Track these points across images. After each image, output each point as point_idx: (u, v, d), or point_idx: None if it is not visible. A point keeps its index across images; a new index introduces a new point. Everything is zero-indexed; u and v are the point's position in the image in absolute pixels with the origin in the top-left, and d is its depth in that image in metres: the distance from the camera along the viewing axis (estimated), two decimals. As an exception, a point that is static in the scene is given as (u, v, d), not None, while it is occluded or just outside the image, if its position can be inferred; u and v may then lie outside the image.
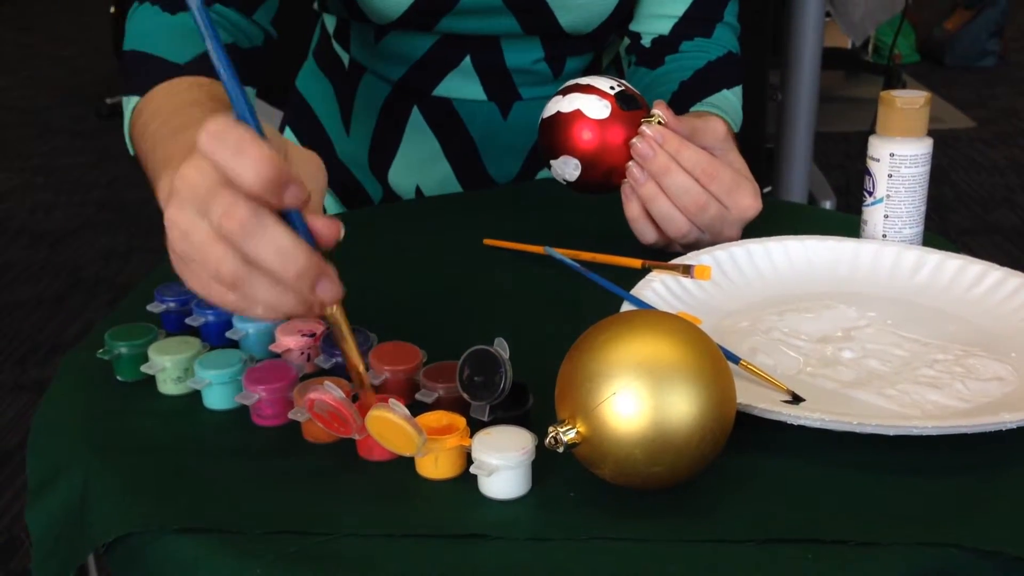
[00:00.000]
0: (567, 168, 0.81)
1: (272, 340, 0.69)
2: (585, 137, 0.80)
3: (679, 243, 0.81)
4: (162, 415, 0.65)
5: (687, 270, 0.75)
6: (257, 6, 0.87)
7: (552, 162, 0.82)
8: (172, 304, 0.73)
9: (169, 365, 0.66)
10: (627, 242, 0.84)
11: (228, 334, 0.70)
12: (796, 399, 0.62)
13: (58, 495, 0.61)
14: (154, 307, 0.74)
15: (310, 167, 0.57)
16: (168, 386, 0.67)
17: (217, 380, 0.64)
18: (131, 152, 0.80)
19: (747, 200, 0.80)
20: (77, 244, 2.84)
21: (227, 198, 0.50)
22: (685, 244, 0.81)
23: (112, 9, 4.02)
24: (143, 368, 0.67)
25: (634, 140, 0.79)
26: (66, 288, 2.58)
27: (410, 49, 1.01)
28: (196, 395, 0.66)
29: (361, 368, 0.60)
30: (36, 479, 0.63)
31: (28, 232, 2.93)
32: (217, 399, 0.65)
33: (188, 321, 0.72)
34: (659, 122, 0.79)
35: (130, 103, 0.78)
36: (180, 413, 0.65)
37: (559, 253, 0.82)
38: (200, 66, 0.77)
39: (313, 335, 0.68)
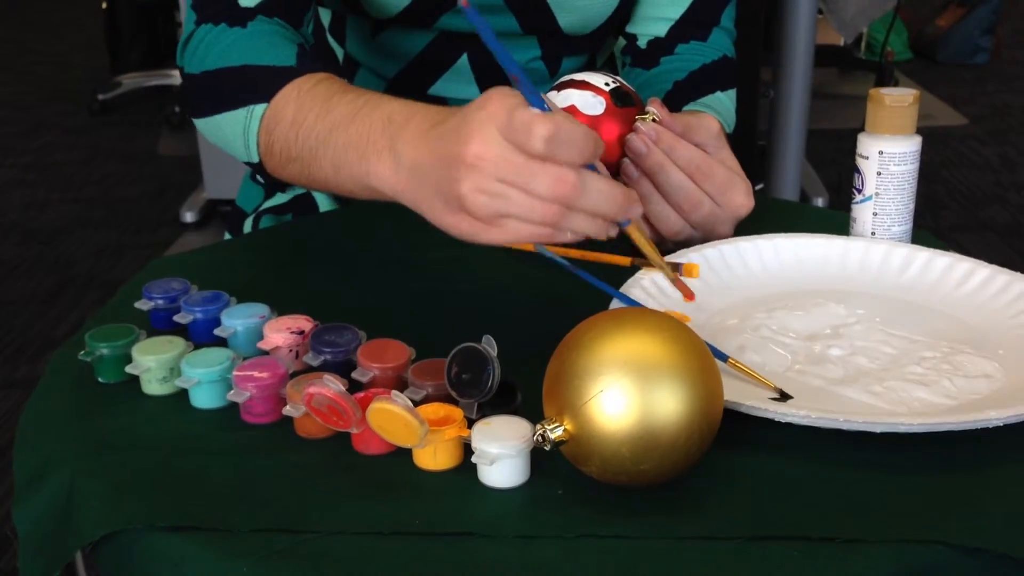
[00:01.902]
0: None
1: (260, 337, 0.69)
2: None
3: (671, 241, 0.81)
4: (150, 414, 0.65)
5: (675, 268, 0.75)
6: (301, 20, 0.89)
7: None
8: (160, 302, 0.73)
9: (154, 365, 0.66)
10: (615, 240, 0.83)
11: (216, 331, 0.69)
12: (784, 396, 0.62)
13: (45, 493, 0.60)
14: (142, 304, 0.74)
15: None
16: (152, 386, 0.66)
17: (205, 378, 0.64)
18: (255, 157, 0.82)
19: (740, 198, 0.80)
20: (69, 241, 2.83)
21: (553, 169, 0.60)
22: (677, 242, 0.81)
23: (104, 5, 4.01)
24: (128, 369, 0.66)
25: (629, 136, 0.78)
26: (57, 285, 2.57)
27: (407, 46, 1.00)
28: (183, 394, 0.66)
29: (665, 267, 0.71)
30: (23, 477, 0.63)
31: (20, 229, 2.92)
32: (205, 398, 0.65)
33: (176, 319, 0.72)
34: (653, 119, 0.79)
35: (255, 111, 0.80)
36: (168, 412, 0.65)
37: (548, 251, 0.82)
38: (309, 64, 0.81)
39: (301, 332, 0.68)
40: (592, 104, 0.79)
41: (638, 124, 0.78)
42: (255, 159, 0.82)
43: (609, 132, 0.79)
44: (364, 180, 0.72)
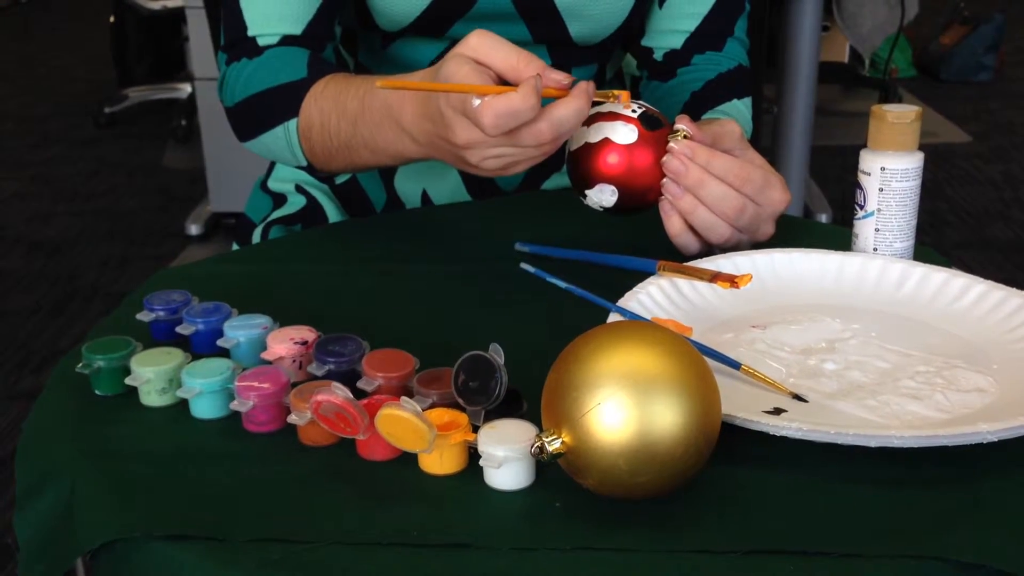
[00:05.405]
0: (604, 195, 0.82)
1: (263, 348, 0.69)
2: (618, 163, 0.81)
3: (719, 248, 0.83)
4: (150, 424, 0.65)
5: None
6: (330, 39, 0.97)
7: (587, 192, 0.83)
8: (161, 313, 0.74)
9: (153, 377, 0.66)
10: (639, 245, 0.85)
11: (219, 342, 0.70)
12: (799, 399, 0.63)
13: (46, 501, 0.61)
14: (144, 316, 0.74)
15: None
16: (151, 398, 0.67)
17: (207, 388, 0.65)
18: (304, 162, 0.92)
19: (778, 194, 0.81)
20: (74, 253, 2.84)
21: (510, 138, 0.73)
22: (726, 248, 0.82)
23: (111, 18, 4.03)
24: (127, 380, 0.66)
25: (665, 158, 0.80)
26: (62, 297, 2.58)
27: (418, 56, 1.01)
28: (182, 405, 0.66)
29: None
30: (24, 485, 0.63)
31: (25, 241, 2.93)
32: (206, 408, 0.65)
33: (179, 330, 0.72)
34: (684, 136, 0.80)
35: (290, 126, 0.90)
36: (168, 422, 0.65)
37: (532, 267, 0.84)
38: (317, 70, 0.90)
39: (305, 343, 0.68)
40: (625, 133, 0.81)
41: (672, 144, 0.80)
42: (304, 163, 0.92)
43: (646, 157, 0.81)
44: (400, 157, 0.85)
